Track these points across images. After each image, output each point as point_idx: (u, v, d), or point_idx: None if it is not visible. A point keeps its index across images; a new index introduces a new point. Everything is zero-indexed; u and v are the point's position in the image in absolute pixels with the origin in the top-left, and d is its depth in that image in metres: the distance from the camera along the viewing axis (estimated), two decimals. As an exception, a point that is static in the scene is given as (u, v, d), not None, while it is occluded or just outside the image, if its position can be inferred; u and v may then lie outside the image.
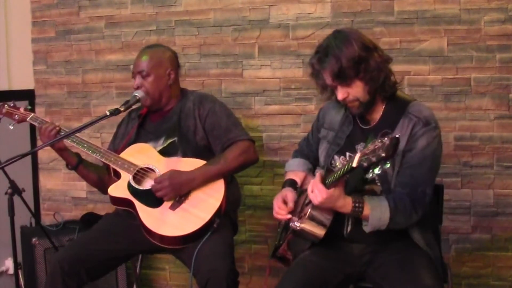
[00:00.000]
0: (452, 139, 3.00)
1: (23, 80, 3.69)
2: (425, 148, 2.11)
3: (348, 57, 2.07)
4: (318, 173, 2.13)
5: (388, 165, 1.82)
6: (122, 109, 2.52)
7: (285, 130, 3.28)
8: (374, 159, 1.81)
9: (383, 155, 1.78)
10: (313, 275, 2.16)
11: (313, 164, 2.52)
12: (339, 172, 1.99)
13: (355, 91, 2.13)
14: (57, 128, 2.62)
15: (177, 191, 2.51)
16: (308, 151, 2.54)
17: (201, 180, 2.54)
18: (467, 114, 2.99)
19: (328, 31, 3.08)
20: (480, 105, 2.96)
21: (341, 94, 2.14)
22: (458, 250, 3.06)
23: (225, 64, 3.34)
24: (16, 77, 3.64)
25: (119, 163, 2.62)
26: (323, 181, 2.06)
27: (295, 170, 2.49)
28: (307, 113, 3.23)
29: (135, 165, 2.62)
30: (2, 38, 3.56)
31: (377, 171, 1.83)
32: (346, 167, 1.94)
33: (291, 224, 2.23)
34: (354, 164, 1.87)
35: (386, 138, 1.80)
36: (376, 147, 1.82)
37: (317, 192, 2.04)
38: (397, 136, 1.80)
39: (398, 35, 3.02)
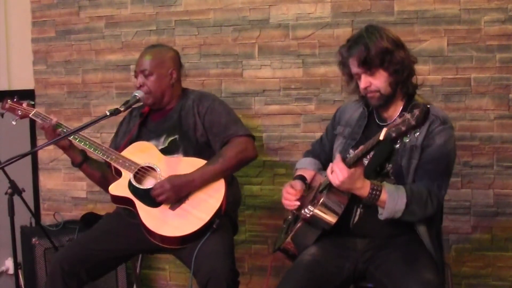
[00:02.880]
0: (452, 139, 3.00)
1: (23, 80, 3.69)
2: (443, 144, 2.16)
3: (376, 46, 2.15)
4: (338, 154, 2.14)
5: (418, 133, 1.87)
6: (122, 109, 2.51)
7: (285, 130, 3.28)
8: (404, 128, 1.84)
9: (413, 123, 1.82)
10: (315, 274, 2.16)
11: (324, 165, 2.53)
12: (362, 151, 2.01)
13: (377, 81, 2.19)
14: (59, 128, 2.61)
15: (177, 194, 2.51)
16: (320, 151, 2.55)
17: (200, 181, 2.54)
18: (467, 114, 2.99)
19: (328, 31, 3.13)
20: (480, 105, 2.97)
21: (364, 83, 2.20)
22: (458, 250, 3.06)
23: (225, 64, 3.34)
24: (16, 77, 3.64)
25: (120, 161, 2.62)
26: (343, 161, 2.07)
27: (305, 168, 2.50)
28: (307, 113, 3.23)
29: (136, 163, 2.62)
30: (2, 38, 3.56)
31: (406, 139, 1.89)
32: (371, 143, 1.96)
33: (302, 211, 2.24)
34: (381, 137, 1.89)
35: (415, 109, 1.84)
36: (406, 118, 1.85)
37: (338, 171, 2.04)
38: (427, 105, 1.84)
39: (398, 35, 3.00)
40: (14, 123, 2.74)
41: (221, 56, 3.35)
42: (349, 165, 2.03)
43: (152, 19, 3.45)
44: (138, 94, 2.64)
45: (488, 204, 2.99)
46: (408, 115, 1.85)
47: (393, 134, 1.86)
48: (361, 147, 2.05)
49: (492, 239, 3.00)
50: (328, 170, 2.09)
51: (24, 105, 2.76)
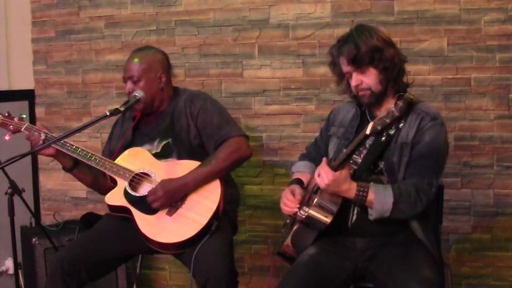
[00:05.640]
0: (452, 139, 3.00)
1: (23, 80, 3.69)
2: (432, 140, 2.18)
3: (366, 44, 2.19)
4: (324, 158, 2.19)
5: (402, 124, 1.96)
6: (122, 109, 2.48)
7: (285, 130, 3.28)
8: (388, 121, 1.93)
9: (397, 114, 1.91)
10: (315, 274, 2.16)
11: None
12: (349, 151, 2.06)
13: (368, 79, 2.22)
14: (42, 138, 2.56)
15: (171, 199, 2.50)
16: (315, 154, 2.55)
17: (194, 184, 2.53)
18: (467, 114, 2.99)
19: (328, 31, 3.13)
20: (480, 105, 2.97)
21: (355, 80, 2.24)
22: (458, 250, 3.06)
23: (225, 64, 3.34)
24: (16, 77, 3.64)
25: (114, 169, 2.59)
26: (329, 164, 2.12)
27: (301, 171, 2.52)
28: (307, 113, 3.23)
29: (130, 170, 2.59)
30: (2, 38, 3.56)
31: (391, 131, 1.97)
32: (358, 138, 2.01)
33: (297, 213, 2.25)
34: (368, 132, 1.95)
35: (399, 101, 1.92)
36: (389, 110, 1.96)
37: (323, 174, 2.10)
38: (410, 97, 1.91)
39: (398, 35, 3.01)
40: (7, 138, 2.66)
41: (221, 56, 3.34)
42: (335, 168, 2.10)
43: (152, 19, 3.45)
44: (138, 94, 2.61)
45: (488, 204, 2.99)
46: (392, 108, 1.94)
47: (379, 127, 1.95)
48: (348, 148, 2.10)
49: (492, 239, 3.01)
50: (316, 173, 2.15)
51: (16, 119, 2.68)
